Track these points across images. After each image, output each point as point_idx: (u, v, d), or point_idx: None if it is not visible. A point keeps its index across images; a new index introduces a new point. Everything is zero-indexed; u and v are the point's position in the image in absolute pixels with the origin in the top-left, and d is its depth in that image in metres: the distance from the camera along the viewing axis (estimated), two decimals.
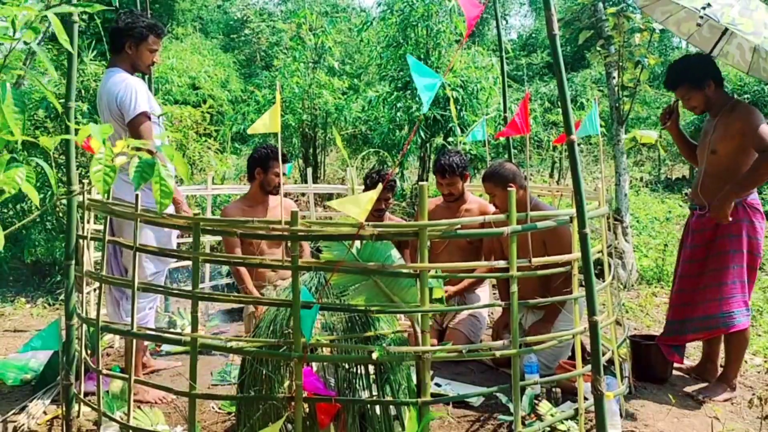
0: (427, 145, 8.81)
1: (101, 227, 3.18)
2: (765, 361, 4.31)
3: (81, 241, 3.25)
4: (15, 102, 1.76)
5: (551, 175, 12.43)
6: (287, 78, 9.75)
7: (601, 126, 3.31)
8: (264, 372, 2.65)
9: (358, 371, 2.75)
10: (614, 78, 6.31)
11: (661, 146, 9.48)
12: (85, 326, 3.25)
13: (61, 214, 6.12)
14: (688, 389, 3.73)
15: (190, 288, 2.69)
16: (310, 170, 6.54)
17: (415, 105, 8.60)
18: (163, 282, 3.83)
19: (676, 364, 4.00)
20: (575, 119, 2.85)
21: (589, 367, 2.68)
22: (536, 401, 3.32)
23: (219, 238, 5.66)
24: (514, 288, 2.69)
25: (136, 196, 2.81)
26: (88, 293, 3.91)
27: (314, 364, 2.74)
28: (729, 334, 3.65)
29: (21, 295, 5.98)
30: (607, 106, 6.77)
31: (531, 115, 3.30)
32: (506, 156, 5.38)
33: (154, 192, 1.92)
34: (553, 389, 3.38)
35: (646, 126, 14.78)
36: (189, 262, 5.24)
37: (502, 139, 6.24)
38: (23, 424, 3.15)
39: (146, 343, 3.83)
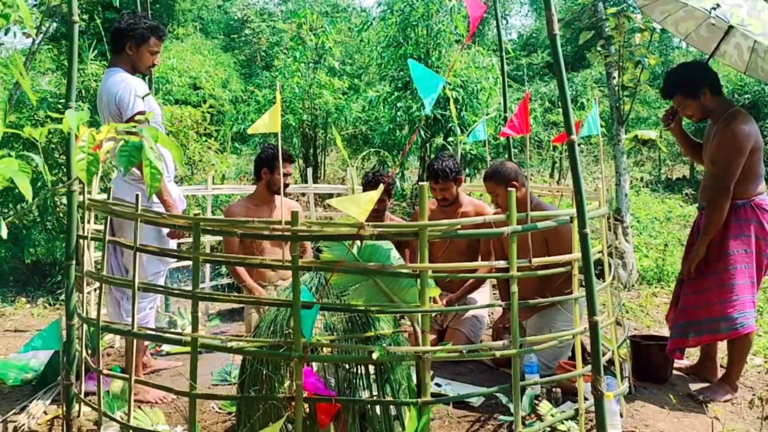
0: (428, 145, 8.81)
1: (101, 227, 3.18)
2: (765, 362, 4.31)
3: (81, 241, 3.25)
4: None
5: (551, 175, 12.43)
6: (287, 78, 9.75)
7: (601, 126, 3.31)
8: (264, 372, 2.65)
9: (359, 371, 2.75)
10: (614, 78, 6.31)
11: (662, 145, 9.48)
12: (85, 326, 3.25)
13: (61, 214, 6.13)
14: (689, 390, 3.73)
15: (190, 288, 2.69)
16: (310, 170, 6.54)
17: (415, 105, 8.60)
18: (163, 282, 3.83)
19: (675, 364, 4.01)
20: (576, 119, 2.86)
21: (589, 367, 2.68)
22: (536, 401, 3.32)
23: (219, 238, 5.66)
24: (515, 288, 2.69)
25: (136, 196, 2.81)
26: (88, 293, 3.91)
27: (314, 364, 2.74)
28: (730, 340, 3.65)
29: (21, 295, 5.98)
30: (607, 106, 6.77)
31: (531, 115, 3.30)
32: (506, 156, 5.38)
33: (144, 175, 1.90)
34: (554, 389, 3.38)
35: (646, 126, 14.77)
36: (189, 262, 5.26)
37: (502, 139, 6.25)
38: (24, 424, 3.15)
39: (146, 343, 3.83)
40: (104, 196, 3.51)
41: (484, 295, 4.59)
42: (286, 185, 4.40)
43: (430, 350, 2.59)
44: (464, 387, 3.67)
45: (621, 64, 6.05)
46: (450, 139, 8.40)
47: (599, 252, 3.19)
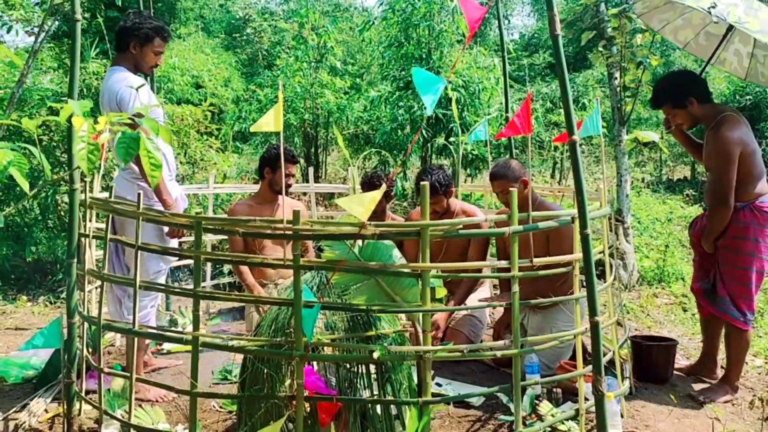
0: (429, 145, 8.81)
1: (103, 225, 3.18)
2: (766, 363, 4.31)
3: (83, 239, 3.26)
4: None
5: (552, 176, 12.42)
6: (289, 77, 9.75)
7: (602, 126, 3.31)
8: (265, 371, 2.66)
9: (360, 370, 2.75)
10: (616, 78, 6.31)
11: (663, 146, 9.47)
12: (86, 324, 3.26)
13: (62, 213, 6.13)
14: (690, 390, 3.73)
15: (191, 287, 2.69)
16: (311, 170, 6.55)
17: (417, 105, 8.60)
18: (165, 281, 3.83)
19: (676, 365, 4.01)
20: (577, 120, 2.85)
21: (590, 367, 2.68)
22: (537, 401, 3.33)
23: (220, 237, 5.67)
24: (516, 288, 2.69)
25: (138, 194, 2.81)
26: (89, 291, 3.92)
27: (315, 363, 2.74)
28: (729, 337, 3.66)
29: (22, 293, 5.99)
30: (609, 107, 6.76)
31: (533, 116, 3.30)
32: (508, 156, 5.38)
33: (143, 165, 1.90)
34: (554, 389, 3.38)
35: (647, 127, 14.76)
36: (190, 261, 5.28)
37: (503, 139, 6.24)
38: (24, 422, 3.15)
39: (147, 341, 3.84)
40: (106, 194, 3.51)
41: (483, 295, 4.59)
42: (288, 186, 4.41)
43: (431, 350, 2.59)
44: (465, 387, 3.67)
45: (623, 64, 6.06)
46: (451, 139, 8.40)
47: (600, 252, 3.19)
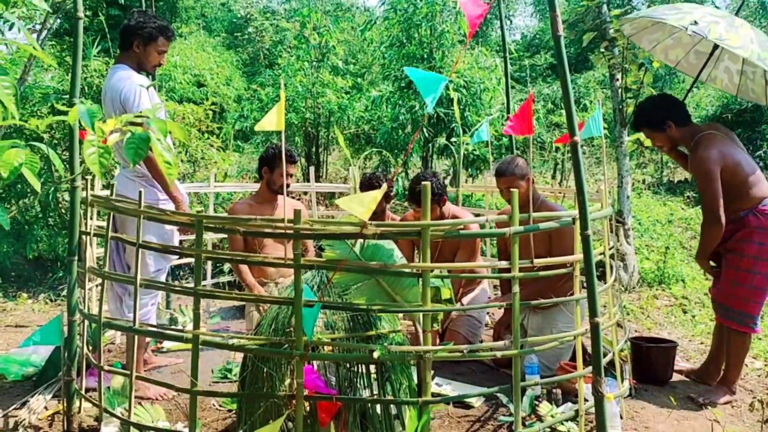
0: (430, 145, 8.81)
1: (104, 223, 3.18)
2: (765, 365, 4.31)
3: (84, 237, 3.26)
4: (4, 81, 1.74)
5: (554, 177, 12.41)
6: (291, 77, 9.75)
7: (603, 128, 3.31)
8: (265, 370, 2.66)
9: (360, 370, 2.75)
10: (618, 80, 6.31)
11: None
12: (86, 322, 3.26)
13: (63, 210, 6.14)
14: (689, 392, 3.73)
15: (192, 285, 2.69)
16: (312, 169, 6.55)
17: (418, 104, 8.60)
18: (164, 279, 3.83)
19: (676, 367, 4.01)
20: (578, 121, 2.86)
21: (589, 368, 2.69)
22: (537, 402, 3.33)
23: (221, 235, 5.67)
24: (516, 288, 2.70)
25: (140, 192, 2.82)
26: (90, 289, 3.92)
27: (315, 363, 2.74)
28: (728, 339, 3.67)
29: (23, 291, 5.99)
30: (610, 108, 6.77)
31: (534, 116, 3.29)
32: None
33: (159, 165, 1.90)
34: (554, 390, 3.38)
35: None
36: (191, 260, 5.28)
37: (504, 140, 6.25)
38: (24, 419, 3.15)
39: (148, 339, 3.84)
40: (107, 192, 3.51)
41: (483, 295, 4.59)
42: (286, 185, 4.40)
43: (431, 350, 2.59)
44: (465, 387, 3.67)
45: (624, 66, 6.06)
46: (453, 139, 8.40)
47: (601, 254, 3.19)
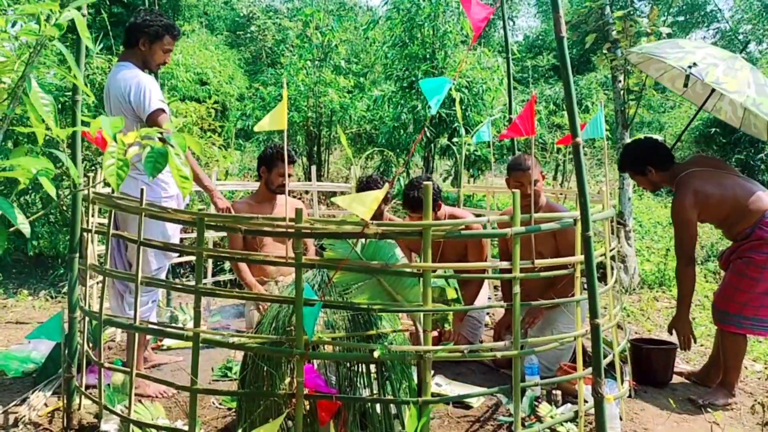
0: (432, 145, 8.81)
1: (105, 221, 3.18)
2: (765, 368, 4.31)
3: (85, 234, 3.26)
4: (43, 96, 1.77)
5: (555, 178, 12.42)
6: (293, 76, 9.76)
7: (605, 129, 3.31)
8: (265, 368, 2.66)
9: (360, 369, 2.75)
10: (620, 82, 6.31)
11: None
12: (87, 319, 3.26)
13: (65, 207, 6.14)
14: (689, 394, 3.73)
15: (192, 283, 2.69)
16: (314, 168, 6.55)
17: (420, 104, 8.60)
18: (165, 277, 3.83)
19: (677, 369, 4.01)
20: (580, 122, 2.85)
21: (589, 369, 2.69)
22: (536, 403, 3.33)
23: (222, 234, 5.67)
24: (517, 289, 2.70)
25: (141, 190, 2.82)
26: (90, 286, 3.92)
27: (315, 362, 2.75)
28: (724, 341, 3.68)
29: (23, 287, 6.00)
30: (612, 110, 6.77)
31: (536, 117, 3.29)
32: (510, 157, 5.37)
33: (174, 177, 1.92)
34: (554, 391, 3.38)
35: (650, 130, 14.77)
36: (191, 258, 5.28)
37: (506, 140, 6.25)
38: (24, 416, 3.16)
39: (148, 337, 3.84)
40: (108, 189, 3.52)
41: (483, 295, 4.59)
42: (283, 185, 4.38)
43: (432, 350, 2.60)
44: (465, 387, 3.67)
45: (627, 67, 6.05)
46: (455, 139, 8.41)
47: (602, 255, 3.19)
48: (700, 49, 3.75)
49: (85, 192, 3.10)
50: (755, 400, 3.60)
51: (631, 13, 5.72)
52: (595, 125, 3.29)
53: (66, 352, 3.06)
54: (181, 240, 5.35)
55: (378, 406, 2.72)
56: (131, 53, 3.57)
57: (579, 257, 2.88)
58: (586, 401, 2.93)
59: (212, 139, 7.51)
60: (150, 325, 3.25)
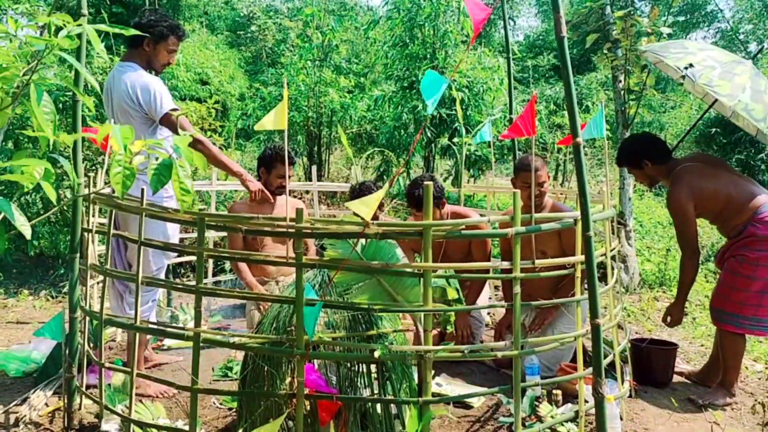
0: (432, 145, 8.81)
1: (105, 221, 3.18)
2: (766, 368, 4.31)
3: (86, 234, 3.26)
4: (46, 103, 1.78)
5: (555, 178, 12.42)
6: (293, 75, 9.76)
7: (606, 129, 3.31)
8: (266, 368, 2.66)
9: (360, 369, 2.75)
10: (620, 81, 6.31)
11: None
12: (88, 319, 3.26)
13: (65, 207, 6.14)
14: (689, 394, 3.73)
15: (193, 283, 2.69)
16: (314, 168, 6.55)
17: (420, 104, 8.61)
18: (164, 277, 3.83)
19: (677, 369, 4.01)
20: (581, 122, 2.86)
21: (590, 369, 2.69)
22: (537, 403, 3.33)
23: (222, 234, 5.67)
24: (517, 289, 2.70)
25: (142, 190, 2.82)
26: (91, 286, 3.92)
27: (316, 362, 2.75)
28: (722, 341, 3.68)
29: (24, 287, 6.00)
30: (612, 110, 6.77)
31: (536, 117, 3.29)
32: (512, 157, 5.38)
33: (174, 189, 1.92)
34: (554, 391, 3.38)
35: (651, 130, 14.75)
36: (191, 257, 5.28)
37: (507, 140, 6.25)
38: (25, 416, 3.16)
39: (148, 336, 3.84)
40: (109, 189, 3.52)
41: (483, 295, 4.59)
42: (282, 187, 4.37)
43: (432, 350, 2.60)
44: (465, 387, 3.67)
45: (627, 67, 6.05)
46: (455, 139, 8.41)
47: (602, 255, 3.20)
48: (702, 51, 3.77)
49: (86, 192, 3.10)
50: (756, 400, 3.61)
51: (632, 13, 5.71)
52: (596, 125, 3.29)
53: (67, 351, 3.06)
54: (182, 240, 5.35)
55: (378, 406, 2.72)
56: (135, 53, 3.56)
57: (579, 257, 2.88)
58: (586, 401, 2.93)
59: (213, 138, 7.51)
60: (150, 325, 3.25)
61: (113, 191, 3.19)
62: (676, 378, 3.97)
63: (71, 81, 2.27)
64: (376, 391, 2.73)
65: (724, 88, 3.50)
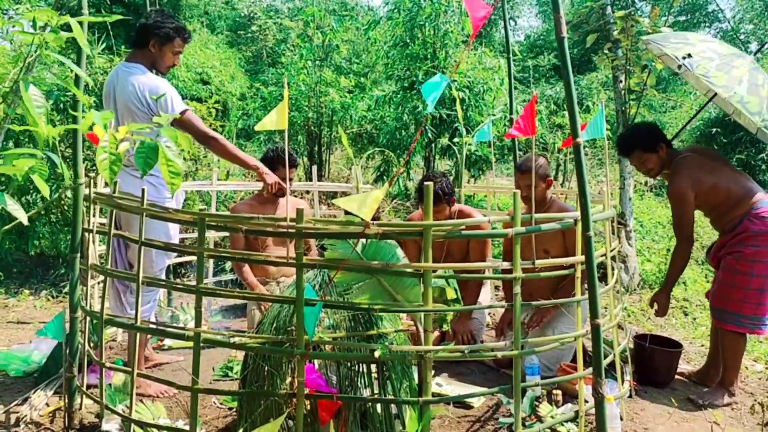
0: (433, 145, 8.81)
1: (106, 221, 3.19)
2: (766, 368, 4.31)
3: (86, 234, 3.27)
4: (36, 97, 1.78)
5: (555, 178, 12.42)
6: (294, 75, 9.76)
7: (606, 129, 3.31)
8: (266, 368, 2.66)
9: (360, 369, 2.76)
10: (621, 81, 6.31)
11: None
12: (88, 319, 3.26)
13: (66, 207, 6.15)
14: (689, 394, 3.73)
15: (193, 283, 2.70)
16: (315, 168, 6.55)
17: (421, 105, 8.61)
18: (164, 277, 3.83)
19: (678, 369, 4.01)
20: (581, 122, 2.86)
21: (590, 369, 2.69)
22: (537, 403, 3.33)
23: (223, 234, 5.67)
24: (517, 289, 2.70)
25: (142, 190, 2.82)
26: (92, 286, 3.93)
27: (316, 361, 2.75)
28: (723, 340, 3.68)
29: (25, 287, 6.00)
30: (613, 110, 6.77)
31: (537, 117, 3.28)
32: (512, 157, 5.37)
33: (163, 173, 1.91)
34: (554, 391, 3.38)
35: None
36: (192, 257, 5.29)
37: (507, 140, 6.25)
38: (26, 415, 3.16)
39: (149, 336, 3.85)
40: (109, 189, 3.52)
41: (484, 295, 4.59)
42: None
43: (432, 350, 2.60)
44: (465, 387, 3.67)
45: (628, 67, 6.05)
46: (455, 139, 8.40)
47: (603, 255, 3.20)
48: (703, 43, 3.78)
49: (86, 191, 3.11)
50: (755, 400, 3.61)
51: (633, 13, 5.71)
52: (596, 125, 3.29)
53: (67, 351, 3.06)
54: (182, 240, 5.36)
55: (378, 406, 2.72)
56: (140, 54, 3.55)
57: (580, 257, 2.88)
58: (586, 401, 2.93)
59: None
60: (151, 325, 3.25)
61: (114, 190, 3.20)
62: (676, 377, 3.97)
63: (71, 82, 2.27)
64: (376, 391, 2.74)
65: (720, 80, 3.50)
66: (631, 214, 6.51)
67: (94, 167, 5.72)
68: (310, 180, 6.33)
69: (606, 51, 6.30)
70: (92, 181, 3.17)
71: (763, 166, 10.54)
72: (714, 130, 11.15)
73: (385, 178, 9.46)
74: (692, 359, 4.45)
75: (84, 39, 1.90)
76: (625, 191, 6.46)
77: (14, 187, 5.58)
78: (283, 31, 16.43)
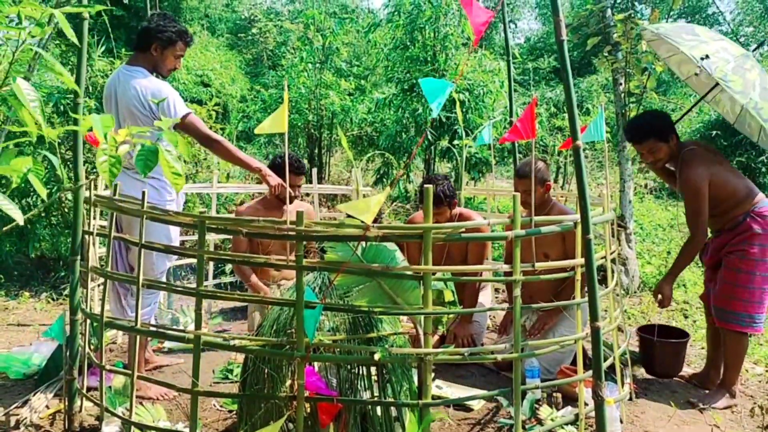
0: (432, 147, 8.82)
1: (107, 223, 3.19)
2: (766, 371, 4.30)
3: (87, 236, 3.27)
4: (29, 92, 1.78)
5: (555, 180, 12.42)
6: (294, 78, 9.77)
7: (606, 132, 3.31)
8: (266, 371, 2.66)
9: (360, 372, 2.76)
10: (621, 84, 6.31)
11: None
12: (89, 321, 3.26)
13: (66, 210, 6.15)
14: (689, 396, 3.73)
15: (193, 285, 2.70)
16: (315, 171, 6.55)
17: (421, 107, 8.61)
18: (165, 279, 3.84)
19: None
20: (581, 125, 2.86)
21: (590, 372, 2.69)
22: (537, 405, 3.33)
23: (223, 236, 5.67)
24: (517, 292, 2.70)
25: (143, 193, 2.82)
26: (92, 289, 3.93)
27: (316, 364, 2.75)
28: (726, 341, 3.68)
29: (25, 290, 6.00)
30: (613, 112, 6.78)
31: (537, 120, 3.30)
32: (512, 159, 5.38)
33: (166, 174, 1.92)
34: (554, 394, 3.38)
35: None
36: (192, 260, 5.29)
37: (507, 143, 6.25)
38: (26, 418, 3.16)
39: (149, 339, 3.84)
40: (110, 192, 3.52)
41: (485, 298, 4.60)
42: (294, 197, 4.37)
43: (432, 352, 2.60)
44: (465, 390, 3.67)
45: (627, 70, 6.06)
46: (455, 142, 8.41)
47: (602, 258, 3.20)
48: (715, 42, 3.71)
49: (87, 194, 3.11)
50: (755, 403, 3.60)
51: (632, 15, 5.72)
52: (596, 128, 3.29)
53: (67, 354, 3.06)
54: (182, 242, 5.36)
55: (378, 409, 2.72)
56: (142, 57, 3.55)
57: (579, 260, 2.88)
58: (586, 404, 2.93)
59: None
60: (151, 328, 3.25)
61: (114, 193, 3.20)
62: (676, 380, 3.97)
63: (70, 83, 2.27)
64: (376, 394, 2.74)
65: (737, 84, 3.45)
66: (631, 216, 6.51)
67: (95, 170, 5.73)
68: (310, 183, 6.33)
69: (606, 54, 6.30)
70: (93, 183, 3.18)
71: (763, 169, 10.55)
72: (714, 132, 11.16)
73: (385, 180, 9.47)
74: (692, 362, 4.45)
75: (69, 29, 1.90)
76: (624, 194, 6.46)
77: (11, 189, 5.59)
78: (284, 33, 16.46)
